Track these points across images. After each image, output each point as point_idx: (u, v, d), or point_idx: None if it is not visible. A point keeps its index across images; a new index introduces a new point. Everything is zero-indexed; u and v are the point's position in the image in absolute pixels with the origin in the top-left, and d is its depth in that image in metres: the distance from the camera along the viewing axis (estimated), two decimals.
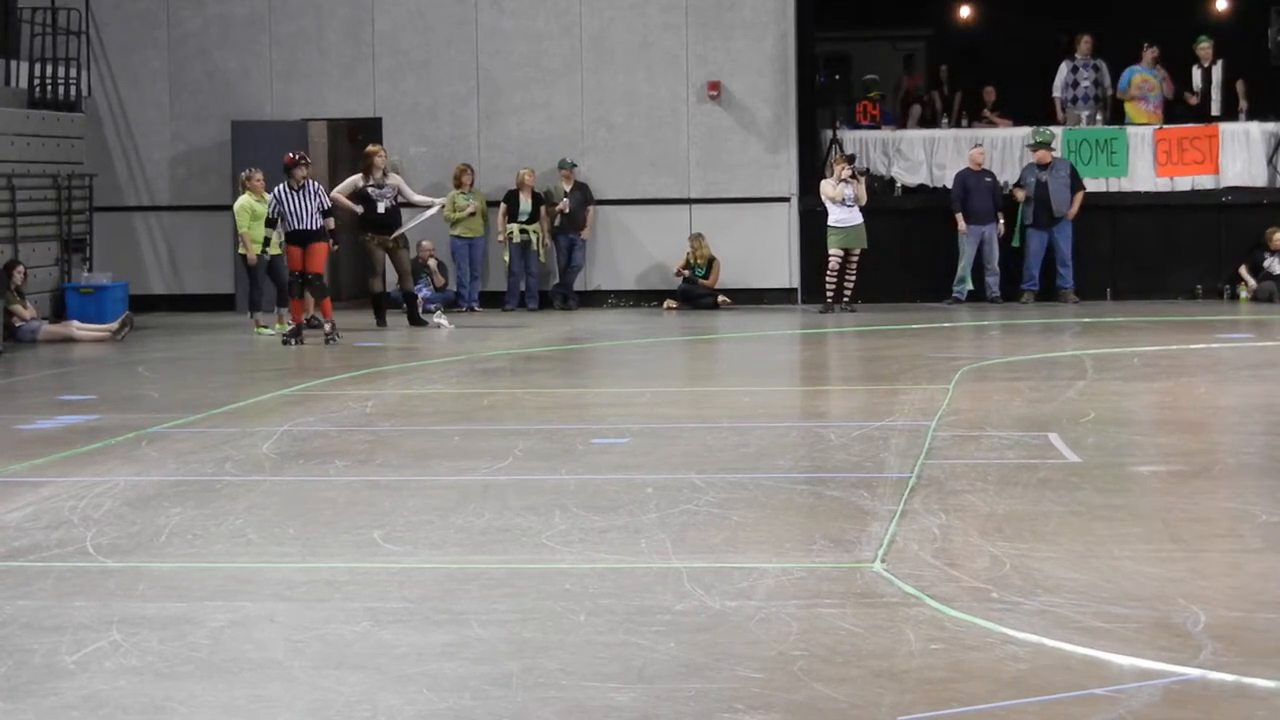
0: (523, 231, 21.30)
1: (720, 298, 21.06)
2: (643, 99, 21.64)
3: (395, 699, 5.34)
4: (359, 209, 19.28)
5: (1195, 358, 15.04)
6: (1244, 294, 20.57)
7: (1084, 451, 9.80)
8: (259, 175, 19.02)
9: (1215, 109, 21.49)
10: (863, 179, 20.52)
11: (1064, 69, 22.12)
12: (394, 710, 5.24)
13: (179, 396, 13.36)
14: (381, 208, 19.20)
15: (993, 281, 20.97)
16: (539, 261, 21.48)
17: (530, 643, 5.95)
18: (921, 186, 21.85)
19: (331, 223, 17.60)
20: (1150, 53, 21.71)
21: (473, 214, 21.13)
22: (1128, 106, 21.82)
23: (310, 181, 17.48)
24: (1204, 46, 21.60)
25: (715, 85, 21.51)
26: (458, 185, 21.12)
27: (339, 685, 5.51)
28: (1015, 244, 20.92)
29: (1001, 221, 20.91)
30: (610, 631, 6.07)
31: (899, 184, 21.90)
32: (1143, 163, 21.40)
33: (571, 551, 7.41)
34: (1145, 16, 22.29)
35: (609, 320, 20.00)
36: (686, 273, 21.07)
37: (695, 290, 21.08)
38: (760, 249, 21.44)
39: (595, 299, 21.68)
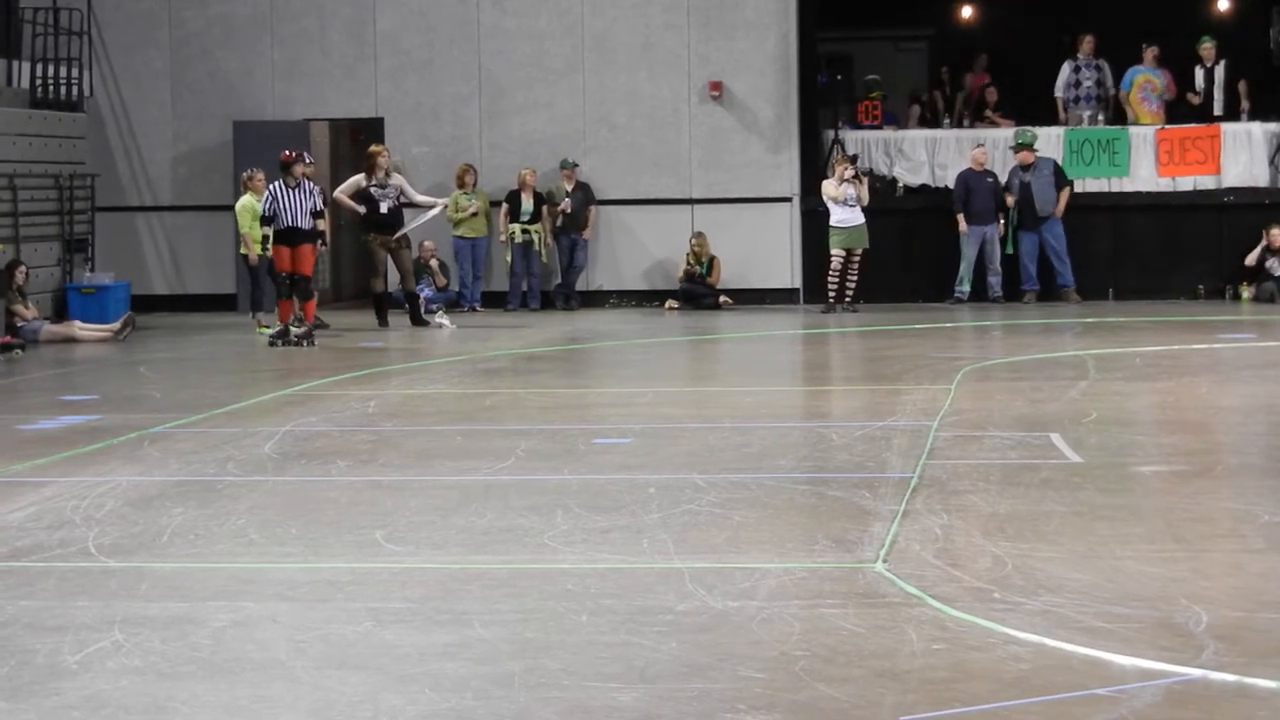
0: (524, 232, 21.30)
1: (722, 298, 21.05)
2: (645, 99, 21.64)
3: (397, 699, 5.34)
4: (362, 209, 19.29)
5: (1197, 358, 15.03)
6: (1245, 294, 20.56)
7: (1086, 451, 9.80)
8: (261, 175, 19.00)
9: (1218, 109, 21.48)
10: (865, 179, 20.52)
11: (1066, 69, 22.12)
12: (396, 710, 5.24)
13: (181, 396, 13.36)
14: (384, 208, 19.20)
15: (994, 282, 20.97)
16: (541, 262, 21.48)
17: (532, 643, 5.95)
18: (923, 186, 21.85)
19: (322, 224, 17.60)
20: (1151, 53, 21.71)
21: (475, 214, 21.14)
22: (1130, 106, 21.82)
23: (306, 181, 17.46)
24: (1207, 47, 21.60)
25: (717, 85, 21.51)
26: (460, 185, 21.12)
27: (341, 685, 5.51)
28: (1009, 251, 20.91)
29: (1002, 222, 20.92)
30: (612, 631, 6.07)
31: (901, 184, 21.89)
32: (1145, 163, 21.40)
33: (574, 551, 7.42)
34: (1147, 17, 22.28)
35: (611, 320, 20.00)
36: (697, 269, 21.03)
37: (697, 290, 21.07)
38: (762, 249, 21.44)
39: (597, 299, 21.68)
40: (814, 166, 21.49)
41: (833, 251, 20.33)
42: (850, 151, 21.07)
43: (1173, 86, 21.71)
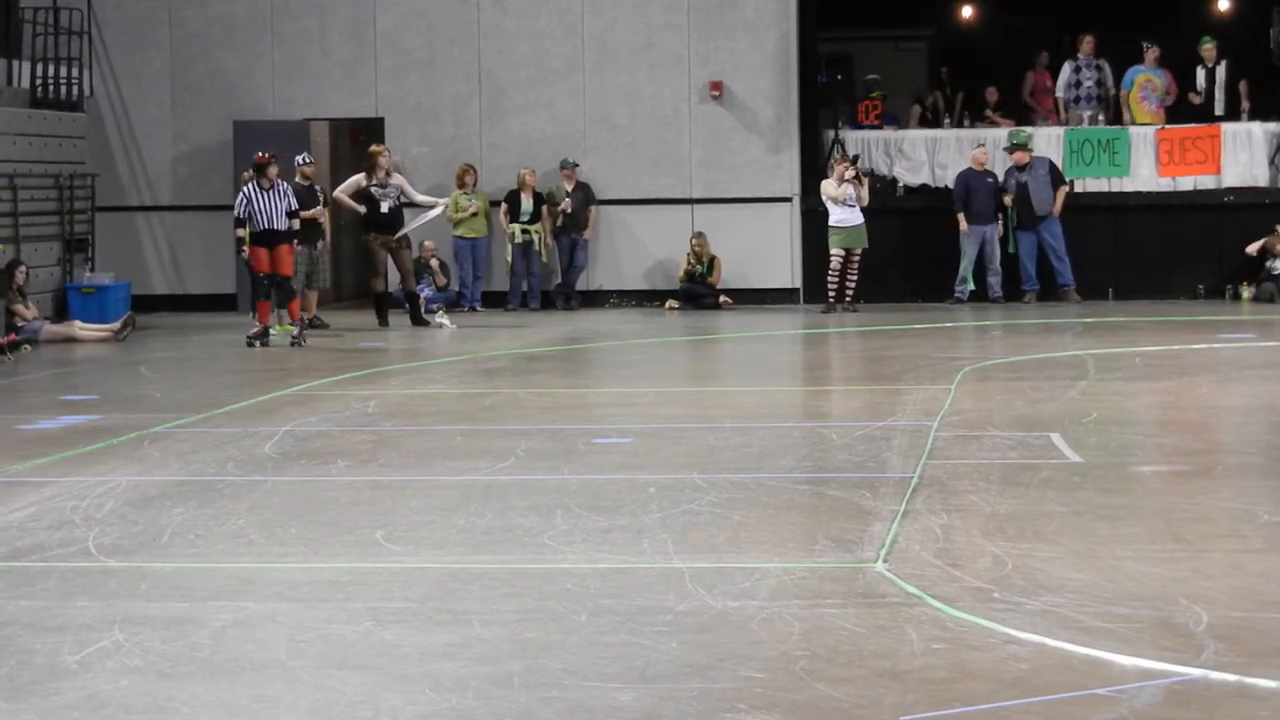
0: (524, 232, 21.30)
1: (722, 298, 21.05)
2: (645, 99, 21.64)
3: (397, 699, 5.34)
4: (362, 209, 19.29)
5: (1197, 358, 15.03)
6: (1245, 294, 20.55)
7: (1086, 451, 9.80)
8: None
9: (1218, 109, 21.48)
10: (866, 181, 20.51)
11: (1066, 69, 22.11)
12: (396, 710, 5.24)
13: (181, 396, 13.36)
14: (385, 207, 19.20)
15: (994, 281, 20.97)
16: (541, 261, 21.48)
17: (532, 643, 5.95)
18: (923, 186, 21.84)
19: (297, 224, 17.65)
20: (1152, 53, 21.71)
21: (474, 214, 21.14)
22: (1130, 107, 21.82)
23: (280, 182, 17.50)
24: (1208, 47, 21.59)
25: (717, 85, 21.51)
26: (460, 185, 21.12)
27: (341, 685, 5.51)
28: (1011, 250, 20.92)
29: (1001, 222, 20.92)
30: (612, 631, 6.07)
31: (901, 184, 21.89)
32: (1145, 163, 21.39)
33: (573, 551, 7.42)
34: (1148, 17, 22.28)
35: (611, 320, 19.99)
36: (698, 269, 21.04)
37: (697, 290, 21.07)
38: (762, 249, 21.44)
39: (597, 299, 21.68)
40: (814, 166, 21.48)
41: (832, 251, 20.32)
42: (851, 152, 21.07)
43: (1174, 87, 21.70)
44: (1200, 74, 21.63)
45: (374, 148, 19.75)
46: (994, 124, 22.50)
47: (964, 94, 23.87)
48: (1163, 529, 7.70)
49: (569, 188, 21.31)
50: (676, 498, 8.52)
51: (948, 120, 23.10)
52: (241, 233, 17.52)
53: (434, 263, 21.18)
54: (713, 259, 21.10)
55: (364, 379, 14.19)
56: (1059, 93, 22.10)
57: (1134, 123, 21.64)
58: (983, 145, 21.40)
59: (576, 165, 21.38)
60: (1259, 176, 21.19)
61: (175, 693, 5.45)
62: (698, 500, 8.47)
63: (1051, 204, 20.73)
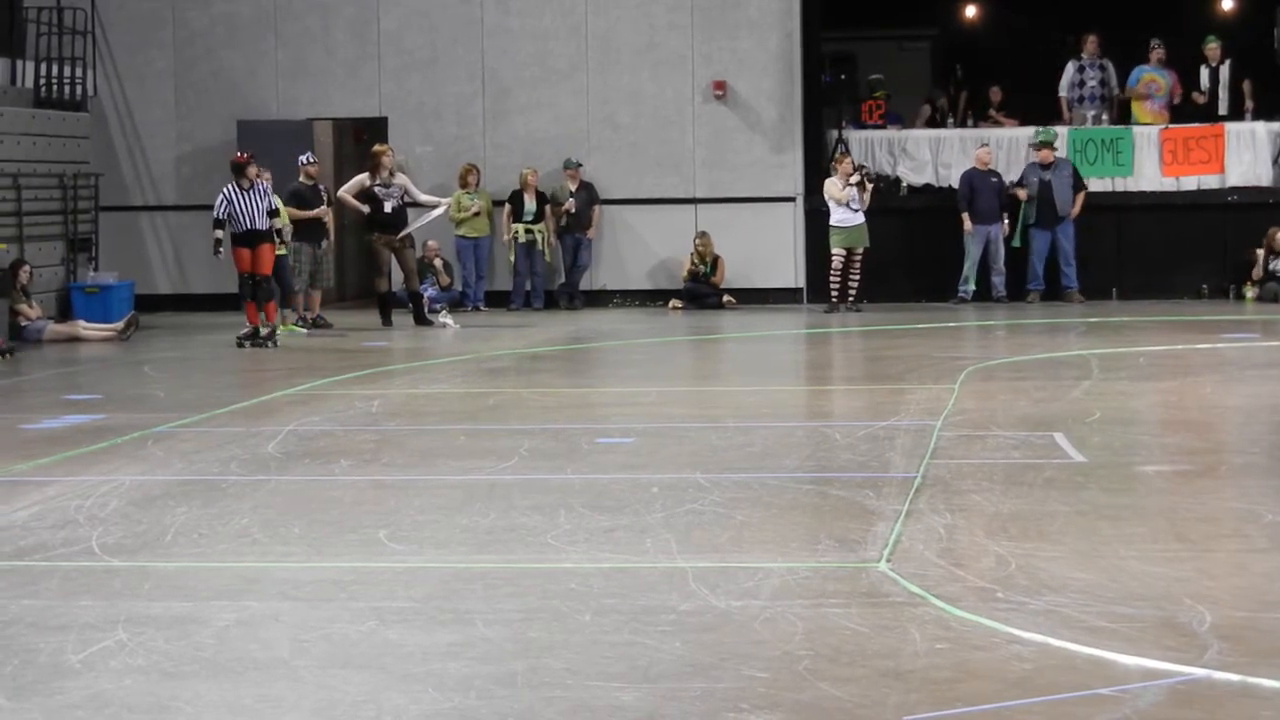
0: (528, 231, 21.31)
1: (725, 298, 21.05)
2: (648, 98, 21.64)
3: (401, 698, 5.34)
4: (365, 208, 19.29)
5: (1201, 357, 15.02)
6: (1249, 294, 20.55)
7: (1089, 451, 9.79)
8: (266, 174, 18.99)
9: (1222, 109, 21.47)
10: (870, 187, 20.47)
11: (1070, 68, 22.09)
12: (399, 709, 5.24)
13: (184, 396, 13.37)
14: (388, 207, 19.20)
15: (998, 281, 20.97)
16: (544, 261, 21.49)
17: (535, 642, 5.95)
18: (927, 186, 21.83)
19: (278, 223, 17.68)
20: (1157, 53, 21.70)
21: (477, 214, 21.14)
22: (1134, 106, 21.81)
23: (260, 182, 17.51)
24: (1212, 47, 21.59)
25: (720, 85, 21.51)
26: (463, 185, 21.12)
27: (344, 685, 5.51)
28: (1017, 244, 20.92)
29: (1006, 221, 20.92)
30: (615, 631, 6.07)
31: (905, 184, 21.88)
32: (1149, 162, 21.38)
33: (577, 551, 7.42)
34: (1151, 17, 22.27)
35: (614, 320, 20.00)
36: (701, 269, 21.03)
37: (700, 290, 21.07)
38: (765, 249, 21.44)
39: (600, 299, 21.68)
40: (818, 166, 21.47)
41: (833, 251, 20.33)
42: (853, 151, 21.07)
43: (1178, 88, 21.69)
44: (1204, 74, 21.62)
45: (377, 147, 19.74)
46: (998, 124, 22.49)
47: (968, 93, 23.85)
48: (1166, 529, 7.70)
49: (572, 187, 21.31)
50: (680, 497, 8.52)
51: (951, 120, 23.10)
52: (219, 234, 17.48)
53: (438, 262, 21.19)
54: (716, 259, 21.10)
55: (367, 378, 14.19)
56: (1063, 92, 22.09)
57: (1137, 123, 21.63)
58: (986, 145, 21.40)
59: (580, 165, 21.39)
60: (1263, 176, 21.19)
61: (179, 692, 5.45)
62: (701, 500, 8.47)
63: (1071, 205, 20.72)
